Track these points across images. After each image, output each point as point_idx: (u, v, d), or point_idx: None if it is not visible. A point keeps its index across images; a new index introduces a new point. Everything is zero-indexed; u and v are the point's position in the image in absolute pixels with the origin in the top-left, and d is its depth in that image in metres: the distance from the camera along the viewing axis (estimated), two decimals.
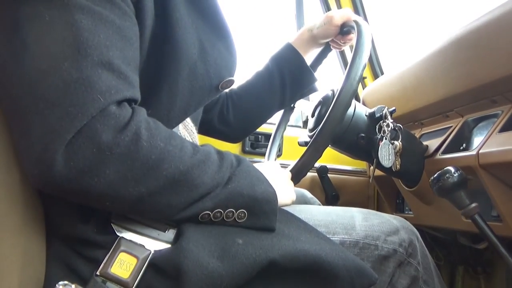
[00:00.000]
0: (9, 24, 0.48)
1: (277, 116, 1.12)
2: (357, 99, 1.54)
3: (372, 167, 0.94)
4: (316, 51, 1.01)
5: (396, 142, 0.89)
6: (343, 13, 0.90)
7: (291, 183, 0.72)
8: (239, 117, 1.03)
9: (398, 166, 0.89)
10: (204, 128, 1.00)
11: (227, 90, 1.02)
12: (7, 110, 0.49)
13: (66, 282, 0.50)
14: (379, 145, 0.89)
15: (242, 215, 0.57)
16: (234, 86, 1.02)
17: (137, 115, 0.50)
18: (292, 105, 1.08)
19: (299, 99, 1.04)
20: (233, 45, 0.71)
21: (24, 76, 0.46)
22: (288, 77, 0.96)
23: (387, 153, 0.89)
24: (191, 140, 0.67)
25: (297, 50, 0.95)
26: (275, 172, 0.68)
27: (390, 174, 1.07)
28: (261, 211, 0.58)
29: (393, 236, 0.72)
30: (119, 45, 0.50)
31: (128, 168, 0.48)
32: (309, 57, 1.00)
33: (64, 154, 0.45)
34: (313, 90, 1.02)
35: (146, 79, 0.57)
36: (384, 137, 0.89)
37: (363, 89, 1.61)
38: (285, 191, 0.68)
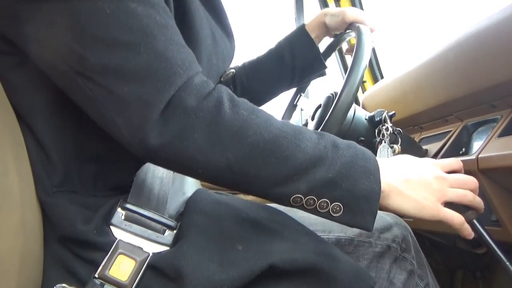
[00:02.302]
0: (72, 22, 0.49)
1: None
2: (357, 103, 1.54)
3: None
4: (326, 40, 1.00)
5: (395, 146, 0.89)
6: (357, 14, 0.88)
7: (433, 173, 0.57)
8: (246, 96, 1.01)
9: None
10: None
11: (235, 68, 1.02)
12: (90, 99, 0.52)
13: (64, 284, 0.50)
14: (377, 148, 0.89)
15: (338, 208, 0.52)
16: (244, 62, 1.02)
17: (220, 88, 0.54)
18: (294, 103, 1.07)
19: (307, 82, 1.03)
20: (232, 37, 0.72)
21: (108, 65, 0.50)
22: (299, 61, 0.95)
23: (385, 157, 0.89)
24: None
25: (310, 36, 0.94)
26: (406, 171, 0.57)
27: None
28: (358, 209, 0.52)
29: (387, 233, 0.73)
30: (171, 23, 0.54)
31: (213, 133, 0.50)
32: (318, 44, 0.98)
33: (159, 122, 0.50)
34: (322, 74, 1.02)
35: None
36: (383, 141, 0.89)
37: (363, 92, 1.61)
38: (415, 188, 0.56)
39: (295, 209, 0.70)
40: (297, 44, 0.95)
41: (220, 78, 0.72)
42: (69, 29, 0.50)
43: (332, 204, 0.52)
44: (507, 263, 0.72)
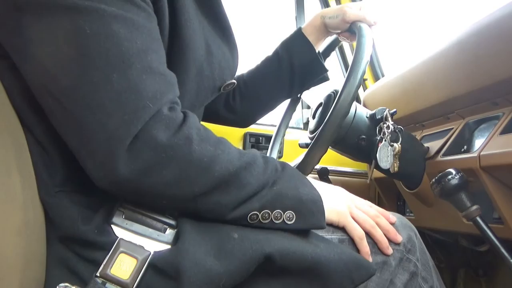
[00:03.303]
0: (50, 39, 0.49)
1: (278, 118, 1.12)
2: (358, 101, 1.54)
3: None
4: (326, 39, 0.98)
5: (395, 144, 0.89)
6: (357, 12, 0.86)
7: (349, 198, 0.69)
8: (246, 104, 1.01)
9: (396, 168, 0.89)
10: (210, 116, 0.98)
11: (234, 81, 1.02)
12: (61, 122, 0.52)
13: (67, 284, 0.50)
14: (378, 146, 0.89)
15: (291, 216, 0.58)
16: (243, 71, 1.01)
17: (189, 120, 0.54)
18: (298, 95, 1.06)
19: (308, 88, 1.01)
20: (236, 47, 0.71)
21: (77, 89, 0.49)
22: (297, 65, 0.94)
23: (385, 155, 0.89)
24: None
25: (307, 39, 0.93)
26: (326, 186, 0.68)
27: (391, 176, 1.06)
28: (308, 211, 0.59)
29: None
30: (154, 47, 0.53)
31: (183, 169, 0.52)
32: (319, 46, 0.97)
33: (125, 158, 0.49)
34: (325, 79, 1.00)
35: None
36: (383, 139, 0.89)
37: (364, 90, 1.61)
38: (334, 198, 0.66)
39: None
40: (294, 48, 0.94)
41: (220, 89, 0.71)
42: (46, 46, 0.49)
43: (285, 213, 0.58)
44: (511, 261, 0.72)
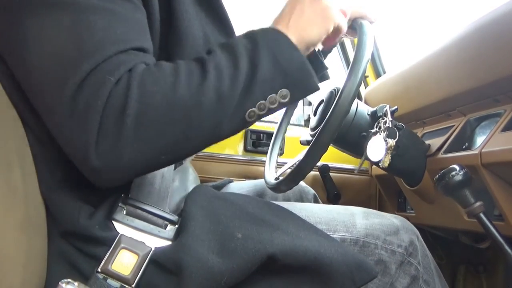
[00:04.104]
0: (31, 34, 0.49)
1: (279, 114, 1.12)
2: (359, 98, 1.54)
3: (374, 166, 0.94)
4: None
5: (389, 140, 0.89)
6: (358, 8, 0.86)
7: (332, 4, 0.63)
8: None
9: (386, 164, 0.89)
10: None
11: None
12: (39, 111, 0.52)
13: (69, 280, 0.50)
14: (371, 138, 0.89)
15: (285, 93, 0.55)
16: None
17: (133, 77, 0.49)
18: None
19: None
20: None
21: (46, 81, 0.48)
22: None
23: (377, 148, 0.89)
24: None
25: None
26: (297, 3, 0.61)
27: (392, 173, 1.06)
28: (299, 80, 0.56)
29: (393, 236, 0.72)
30: (137, 37, 0.52)
31: (149, 129, 0.49)
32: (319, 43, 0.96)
33: (95, 152, 0.48)
34: (325, 77, 0.99)
35: None
36: (378, 132, 0.89)
37: (365, 87, 1.61)
38: (316, 24, 0.61)
39: (298, 208, 0.71)
40: None
41: None
42: (27, 42, 0.49)
43: (278, 93, 0.55)
44: None
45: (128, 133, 0.48)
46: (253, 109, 0.54)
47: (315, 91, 0.58)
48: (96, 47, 0.48)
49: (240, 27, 0.75)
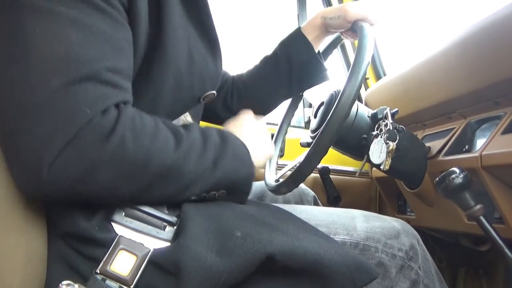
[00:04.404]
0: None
1: (279, 116, 1.12)
2: (360, 100, 1.54)
3: (374, 168, 0.95)
4: (326, 38, 0.97)
5: (390, 143, 0.89)
6: (358, 11, 0.85)
7: (266, 137, 0.78)
8: (244, 104, 0.98)
9: (387, 166, 0.89)
10: (208, 116, 0.98)
11: (235, 75, 1.01)
12: None
13: (69, 281, 0.50)
14: (372, 141, 0.89)
15: (222, 194, 0.62)
16: (243, 71, 1.00)
17: (122, 117, 0.51)
18: (300, 94, 1.05)
19: (308, 88, 0.99)
20: (220, 58, 0.70)
21: (14, 91, 0.47)
22: (295, 64, 0.92)
23: (378, 151, 0.89)
24: None
25: (306, 38, 0.91)
26: (251, 133, 0.74)
27: (392, 176, 1.06)
28: (239, 190, 0.64)
29: (394, 240, 0.72)
30: (110, 56, 0.51)
31: (118, 171, 0.50)
32: (319, 45, 0.95)
33: (55, 168, 0.47)
34: (324, 79, 0.98)
35: (133, 84, 0.57)
36: (380, 135, 0.89)
37: (366, 90, 1.61)
38: (262, 152, 0.74)
39: (298, 211, 0.71)
40: (293, 47, 0.92)
41: (199, 99, 0.71)
42: None
43: (219, 193, 0.62)
44: None
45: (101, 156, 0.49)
46: (195, 197, 0.60)
47: (241, 203, 0.65)
48: (67, 63, 0.47)
49: (226, 45, 0.76)
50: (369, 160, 0.90)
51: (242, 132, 0.72)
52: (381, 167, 0.90)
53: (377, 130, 0.90)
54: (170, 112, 0.66)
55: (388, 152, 0.88)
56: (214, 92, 0.71)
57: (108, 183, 0.50)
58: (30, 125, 0.46)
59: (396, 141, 0.89)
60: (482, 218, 0.77)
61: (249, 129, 0.76)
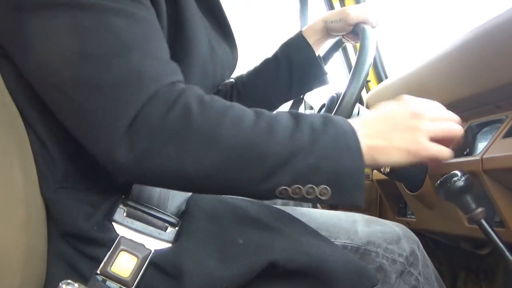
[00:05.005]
0: (51, 34, 0.50)
1: None
2: (361, 103, 1.54)
3: (375, 171, 0.94)
4: (327, 42, 0.97)
5: None
6: (360, 13, 0.85)
7: (425, 129, 0.56)
8: (244, 105, 0.99)
9: (388, 169, 0.89)
10: None
11: (235, 77, 1.01)
12: (67, 114, 0.52)
13: (69, 281, 0.50)
14: None
15: (325, 191, 0.51)
16: (243, 72, 1.00)
17: (187, 91, 0.51)
18: (301, 96, 1.05)
19: (308, 91, 0.99)
20: (236, 47, 0.71)
21: (81, 78, 0.49)
22: (296, 67, 0.92)
23: None
24: None
25: (307, 41, 0.92)
26: (399, 116, 0.56)
27: (393, 178, 1.06)
28: (345, 187, 0.51)
29: (395, 245, 0.71)
30: (155, 37, 0.53)
31: (184, 143, 0.48)
32: (320, 48, 0.95)
33: (125, 144, 0.48)
34: (324, 82, 0.98)
35: None
36: None
37: (367, 92, 1.61)
38: (402, 145, 0.54)
39: (299, 213, 0.70)
40: (293, 50, 0.93)
41: (218, 86, 0.71)
42: (47, 41, 0.50)
43: (319, 188, 0.51)
44: None
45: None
46: (286, 187, 0.50)
47: (357, 203, 0.52)
48: (123, 47, 0.50)
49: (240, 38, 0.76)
50: None
51: (379, 116, 0.57)
52: (382, 169, 0.90)
53: None
54: None
55: None
56: (232, 79, 0.71)
57: (176, 158, 0.48)
58: (99, 105, 0.49)
59: None
60: (483, 221, 0.77)
61: (397, 112, 0.57)
